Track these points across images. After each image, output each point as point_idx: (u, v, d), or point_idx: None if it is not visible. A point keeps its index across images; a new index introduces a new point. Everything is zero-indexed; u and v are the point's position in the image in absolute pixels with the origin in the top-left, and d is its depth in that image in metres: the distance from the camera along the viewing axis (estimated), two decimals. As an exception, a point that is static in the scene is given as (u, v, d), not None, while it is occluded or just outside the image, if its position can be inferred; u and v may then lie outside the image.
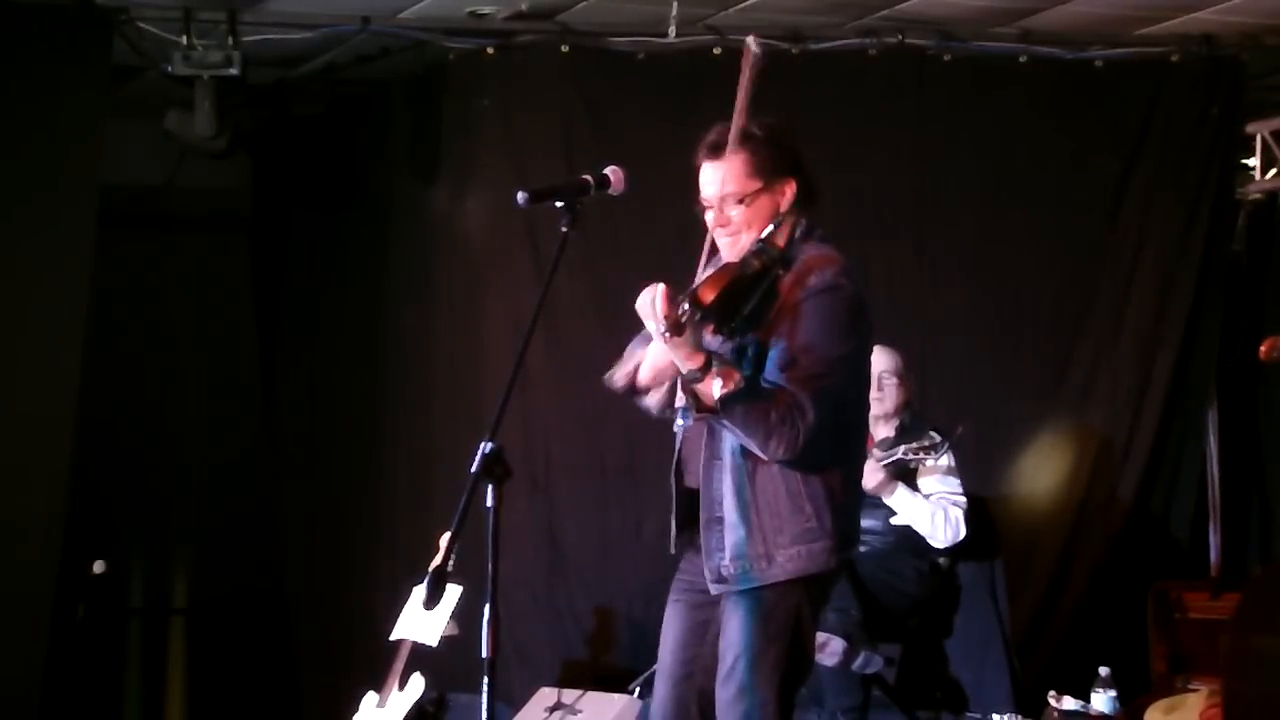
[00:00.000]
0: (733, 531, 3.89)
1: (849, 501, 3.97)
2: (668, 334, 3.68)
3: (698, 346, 3.76)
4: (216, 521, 8.37)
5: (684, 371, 3.77)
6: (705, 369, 3.75)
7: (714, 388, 3.75)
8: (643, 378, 3.95)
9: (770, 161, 3.94)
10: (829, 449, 3.86)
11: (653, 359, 3.91)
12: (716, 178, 3.94)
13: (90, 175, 6.55)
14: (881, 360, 5.91)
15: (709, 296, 3.76)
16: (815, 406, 3.76)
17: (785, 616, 3.88)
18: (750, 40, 3.93)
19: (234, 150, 6.93)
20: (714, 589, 3.93)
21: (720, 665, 3.90)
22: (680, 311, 3.67)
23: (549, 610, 6.81)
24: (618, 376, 3.99)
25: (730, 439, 3.90)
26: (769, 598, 3.87)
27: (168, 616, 8.65)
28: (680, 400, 3.88)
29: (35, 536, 6.46)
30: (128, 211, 7.68)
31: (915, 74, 7.11)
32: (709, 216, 3.98)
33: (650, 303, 3.71)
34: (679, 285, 3.91)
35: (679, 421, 3.93)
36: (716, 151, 3.95)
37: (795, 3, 6.75)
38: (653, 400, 3.99)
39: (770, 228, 3.93)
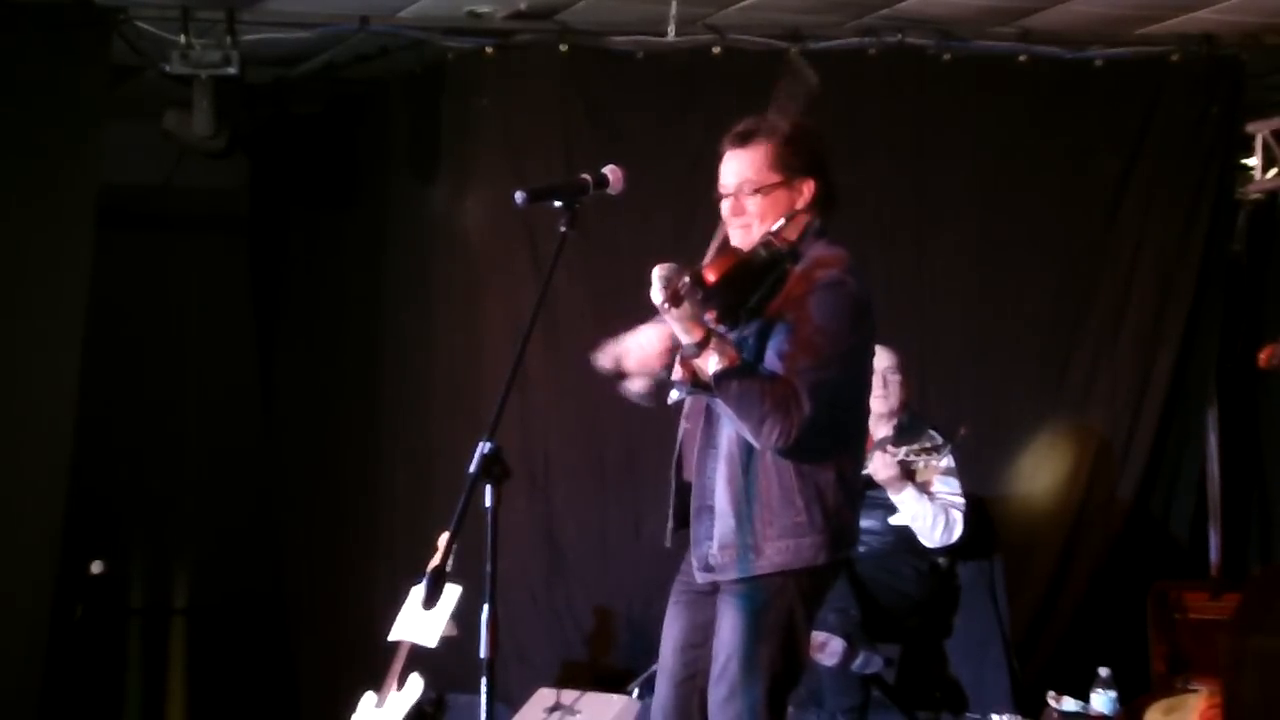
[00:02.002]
0: (722, 520, 3.90)
1: (844, 499, 3.94)
2: (667, 304, 3.69)
3: (698, 320, 3.76)
4: (216, 522, 8.37)
5: (683, 344, 3.78)
6: (704, 344, 3.76)
7: (710, 363, 3.77)
8: (628, 361, 3.93)
9: (793, 158, 3.96)
10: (825, 443, 3.85)
11: (640, 344, 3.90)
12: (738, 167, 3.97)
13: (89, 175, 6.55)
14: (884, 358, 5.92)
15: (712, 276, 3.78)
16: (811, 399, 3.76)
17: (779, 616, 3.87)
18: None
19: (232, 150, 6.93)
20: (700, 577, 3.93)
21: (713, 664, 3.89)
22: (681, 284, 3.68)
23: (548, 610, 6.81)
24: (604, 356, 3.97)
25: (727, 429, 3.90)
26: (762, 596, 3.86)
27: (168, 617, 8.65)
28: (678, 374, 3.88)
29: (35, 536, 6.46)
30: (126, 211, 7.67)
31: (915, 74, 7.11)
32: (724, 205, 3.99)
33: (657, 271, 3.73)
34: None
35: (673, 394, 3.94)
36: (742, 141, 3.98)
37: (795, 2, 6.74)
38: (637, 386, 3.97)
39: (782, 221, 3.94)
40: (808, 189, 3.97)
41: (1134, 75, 7.25)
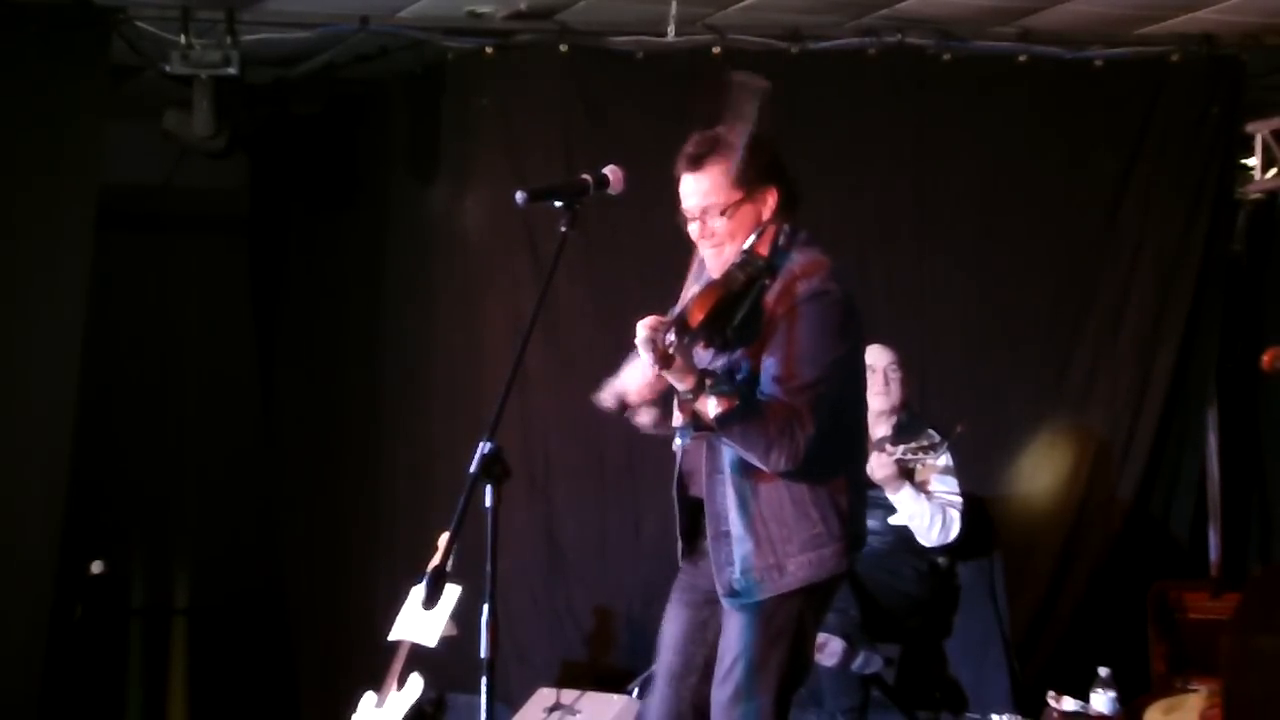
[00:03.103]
0: (740, 544, 3.88)
1: (855, 503, 3.96)
2: (658, 367, 3.68)
3: (689, 368, 3.74)
4: (216, 522, 8.37)
5: (679, 391, 3.77)
6: (698, 389, 3.74)
7: (709, 407, 3.75)
8: (630, 397, 3.90)
9: (751, 170, 3.92)
10: (831, 454, 3.85)
11: (636, 377, 3.86)
12: (698, 189, 3.93)
13: (89, 175, 6.55)
14: (884, 355, 5.92)
15: (697, 319, 3.75)
16: (813, 415, 3.76)
17: (786, 621, 3.87)
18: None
19: (232, 150, 6.93)
20: (727, 603, 3.91)
21: (718, 666, 3.90)
22: (667, 343, 3.65)
23: (548, 610, 6.81)
24: (606, 396, 3.95)
25: (729, 452, 3.88)
26: (770, 602, 3.87)
27: (168, 617, 8.64)
28: (678, 420, 3.86)
29: (35, 536, 6.46)
30: (126, 211, 7.67)
31: (915, 74, 7.11)
32: (692, 228, 3.96)
33: (640, 335, 3.70)
34: (676, 285, 3.91)
35: (678, 440, 3.93)
36: (696, 163, 3.93)
37: (795, 2, 6.74)
38: (645, 418, 3.94)
39: (753, 237, 3.91)
40: (771, 198, 3.94)
41: (1134, 75, 7.24)
